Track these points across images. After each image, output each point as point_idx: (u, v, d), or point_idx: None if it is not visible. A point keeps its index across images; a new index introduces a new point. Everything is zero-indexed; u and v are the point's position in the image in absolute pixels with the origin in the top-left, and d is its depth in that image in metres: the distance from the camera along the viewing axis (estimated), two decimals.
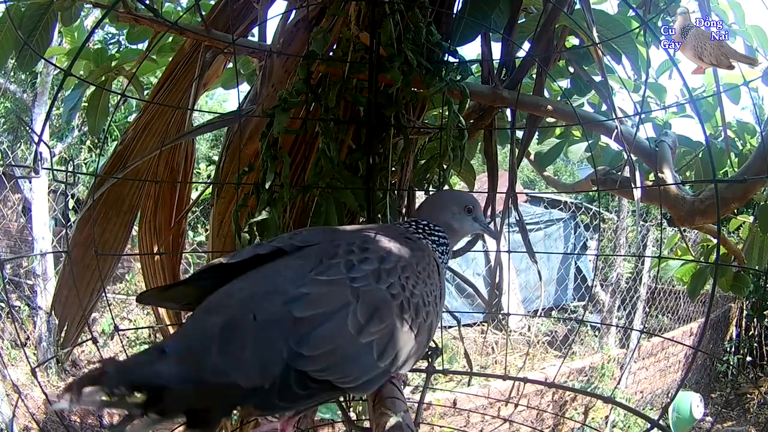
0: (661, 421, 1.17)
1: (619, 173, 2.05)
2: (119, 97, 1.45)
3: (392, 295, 0.88)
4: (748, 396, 6.94)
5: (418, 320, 0.91)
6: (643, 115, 1.81)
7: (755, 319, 7.69)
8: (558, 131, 2.54)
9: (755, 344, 7.69)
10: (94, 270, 1.77)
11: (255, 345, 0.74)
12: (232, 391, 0.71)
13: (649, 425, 1.13)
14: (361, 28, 1.36)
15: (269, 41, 1.59)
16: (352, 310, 0.82)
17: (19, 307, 6.23)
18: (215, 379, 0.70)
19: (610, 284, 6.77)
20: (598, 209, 7.99)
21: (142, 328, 6.48)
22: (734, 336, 7.89)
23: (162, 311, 1.89)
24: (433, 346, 1.38)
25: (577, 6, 1.72)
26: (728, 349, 7.86)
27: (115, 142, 2.12)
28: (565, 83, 2.23)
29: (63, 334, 1.87)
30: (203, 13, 1.55)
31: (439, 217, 1.14)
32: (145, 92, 2.20)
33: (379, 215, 1.41)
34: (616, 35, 1.73)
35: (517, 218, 1.77)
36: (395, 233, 1.03)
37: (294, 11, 1.49)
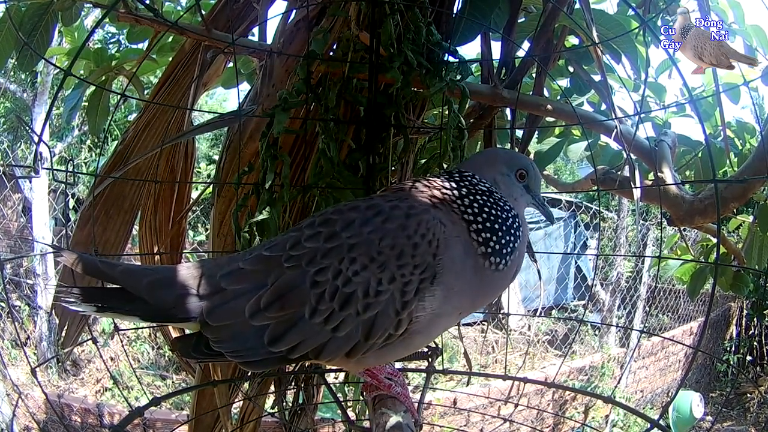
0: (661, 421, 1.17)
1: (619, 173, 2.05)
2: (119, 96, 1.45)
3: (315, 282, 0.85)
4: (748, 395, 6.94)
5: (343, 313, 0.84)
6: (642, 115, 1.81)
7: (755, 319, 7.70)
8: (558, 130, 2.54)
9: (755, 343, 7.69)
10: None
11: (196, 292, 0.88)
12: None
13: (649, 425, 1.13)
14: (361, 28, 1.36)
15: (269, 41, 1.59)
16: (261, 292, 0.86)
17: (20, 307, 6.23)
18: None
19: (610, 283, 6.77)
20: (598, 208, 7.98)
21: (143, 327, 6.47)
22: (734, 335, 7.90)
23: None
24: (433, 345, 1.38)
25: (577, 6, 1.72)
26: (728, 348, 7.86)
27: (115, 142, 2.13)
28: (564, 83, 2.23)
29: (63, 334, 1.87)
30: (203, 12, 1.55)
31: (484, 171, 0.98)
32: (146, 92, 2.20)
33: None
34: (616, 35, 1.73)
35: None
36: (391, 197, 0.92)
37: (294, 11, 1.49)
